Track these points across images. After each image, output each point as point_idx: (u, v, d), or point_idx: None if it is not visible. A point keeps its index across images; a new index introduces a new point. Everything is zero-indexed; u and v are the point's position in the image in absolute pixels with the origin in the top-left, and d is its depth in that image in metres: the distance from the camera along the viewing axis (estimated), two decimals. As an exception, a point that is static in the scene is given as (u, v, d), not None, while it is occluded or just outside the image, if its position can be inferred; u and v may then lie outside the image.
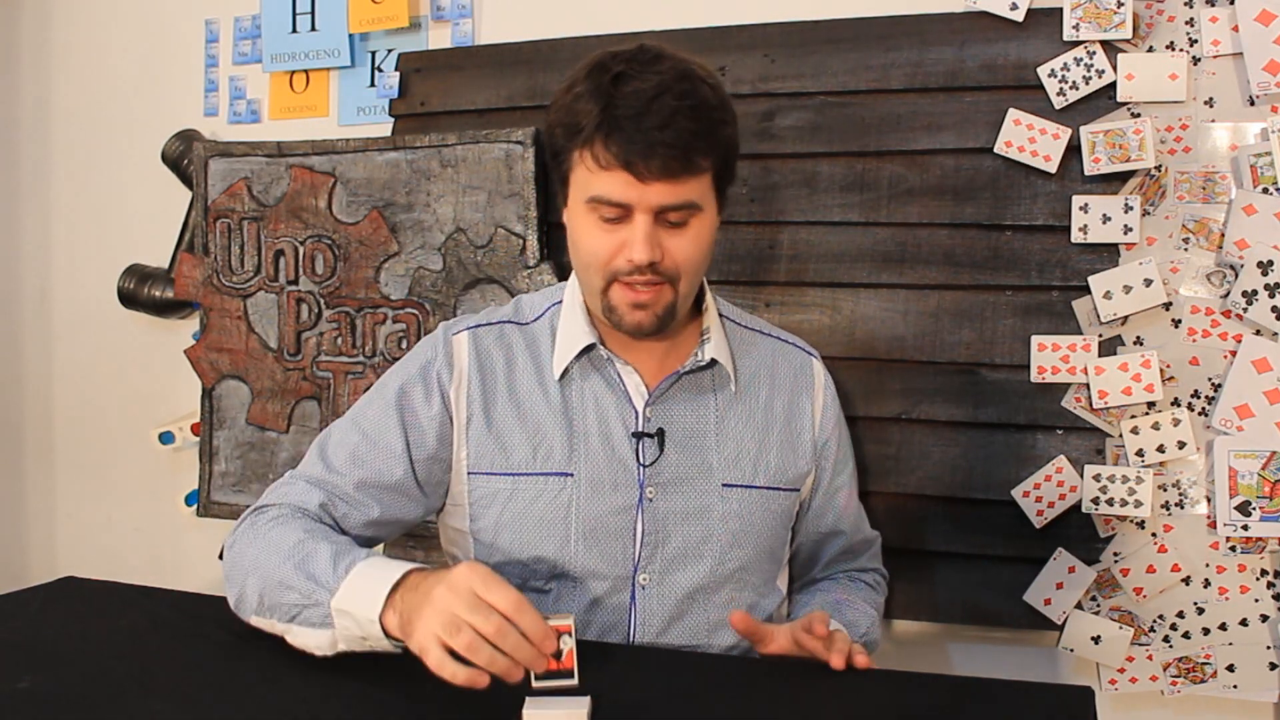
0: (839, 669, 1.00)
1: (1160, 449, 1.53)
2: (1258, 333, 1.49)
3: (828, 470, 1.31)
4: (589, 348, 1.19)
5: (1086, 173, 1.56)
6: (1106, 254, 1.57)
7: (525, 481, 1.17)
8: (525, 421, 1.18)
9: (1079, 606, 1.56)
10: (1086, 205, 1.56)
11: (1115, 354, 1.56)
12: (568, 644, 0.86)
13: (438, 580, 0.92)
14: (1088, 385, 1.56)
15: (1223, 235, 1.51)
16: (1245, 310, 1.48)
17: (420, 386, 1.19)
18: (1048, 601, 1.57)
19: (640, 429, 1.18)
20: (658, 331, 1.15)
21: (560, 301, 1.25)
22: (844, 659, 1.01)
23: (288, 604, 1.01)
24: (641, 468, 1.17)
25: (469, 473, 1.19)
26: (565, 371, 1.19)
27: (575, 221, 1.14)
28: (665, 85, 1.05)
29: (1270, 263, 1.46)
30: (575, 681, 0.86)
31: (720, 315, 1.27)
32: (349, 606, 0.97)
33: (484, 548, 1.20)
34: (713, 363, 1.21)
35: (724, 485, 1.20)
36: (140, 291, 2.17)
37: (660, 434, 1.18)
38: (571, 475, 1.16)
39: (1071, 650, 1.57)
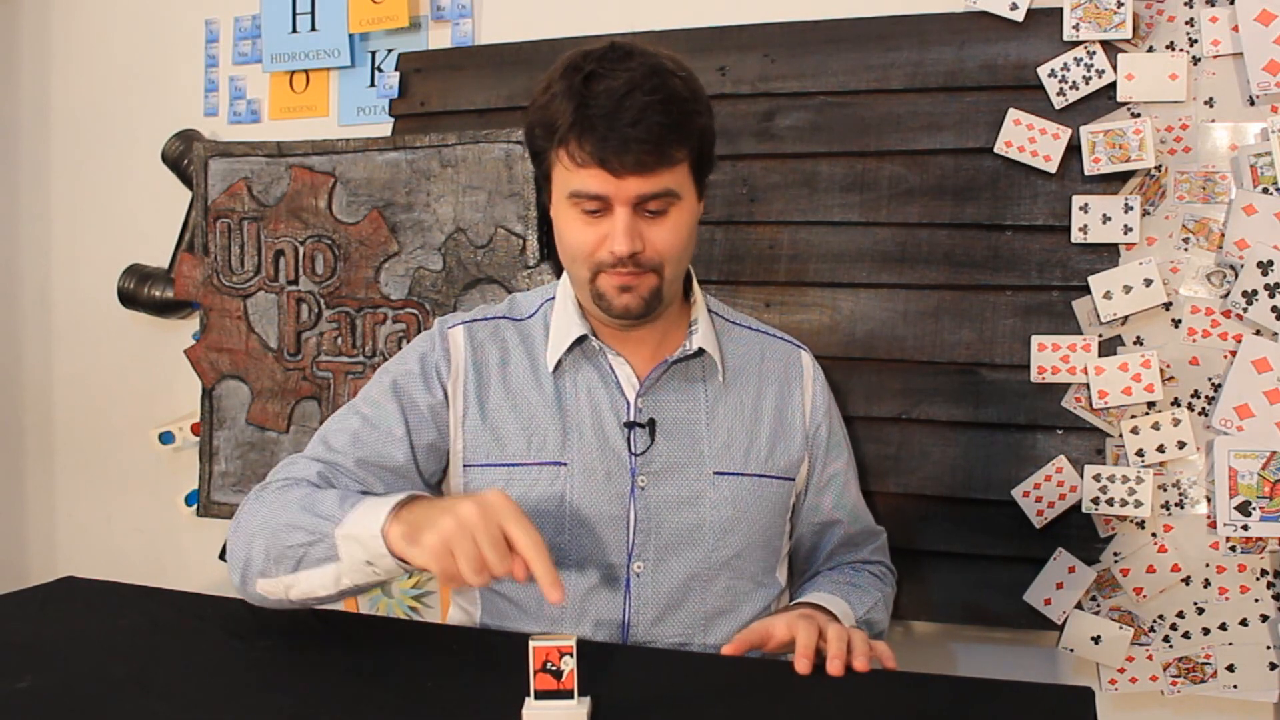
0: (836, 675, 1.00)
1: (1160, 449, 1.53)
2: (1258, 333, 1.49)
3: (820, 458, 1.32)
4: (581, 339, 1.21)
5: (1086, 173, 1.56)
6: (1106, 254, 1.57)
7: (520, 471, 1.19)
8: (519, 413, 1.21)
9: (1079, 606, 1.56)
10: (1086, 205, 1.56)
11: (1115, 354, 1.56)
12: (569, 664, 0.86)
13: (465, 498, 0.94)
14: (1088, 385, 1.56)
15: (1223, 235, 1.51)
16: (1245, 310, 1.48)
17: (419, 377, 1.22)
18: (1048, 601, 1.57)
19: (632, 419, 1.20)
20: (645, 315, 1.18)
21: (553, 298, 1.28)
22: (843, 664, 1.01)
23: (294, 545, 1.03)
24: (633, 457, 1.20)
25: (464, 465, 1.22)
26: (558, 364, 1.22)
27: (559, 216, 1.18)
28: (635, 82, 1.08)
29: (1270, 263, 1.46)
30: (574, 702, 0.86)
31: (709, 311, 1.30)
32: (354, 530, 0.99)
33: None
34: (700, 352, 1.24)
35: (715, 473, 1.22)
36: (140, 291, 2.17)
37: (651, 424, 1.20)
38: (565, 465, 1.19)
39: (1071, 650, 1.57)
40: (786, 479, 1.28)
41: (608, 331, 1.23)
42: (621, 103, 1.07)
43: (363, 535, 0.98)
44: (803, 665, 1.00)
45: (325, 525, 1.01)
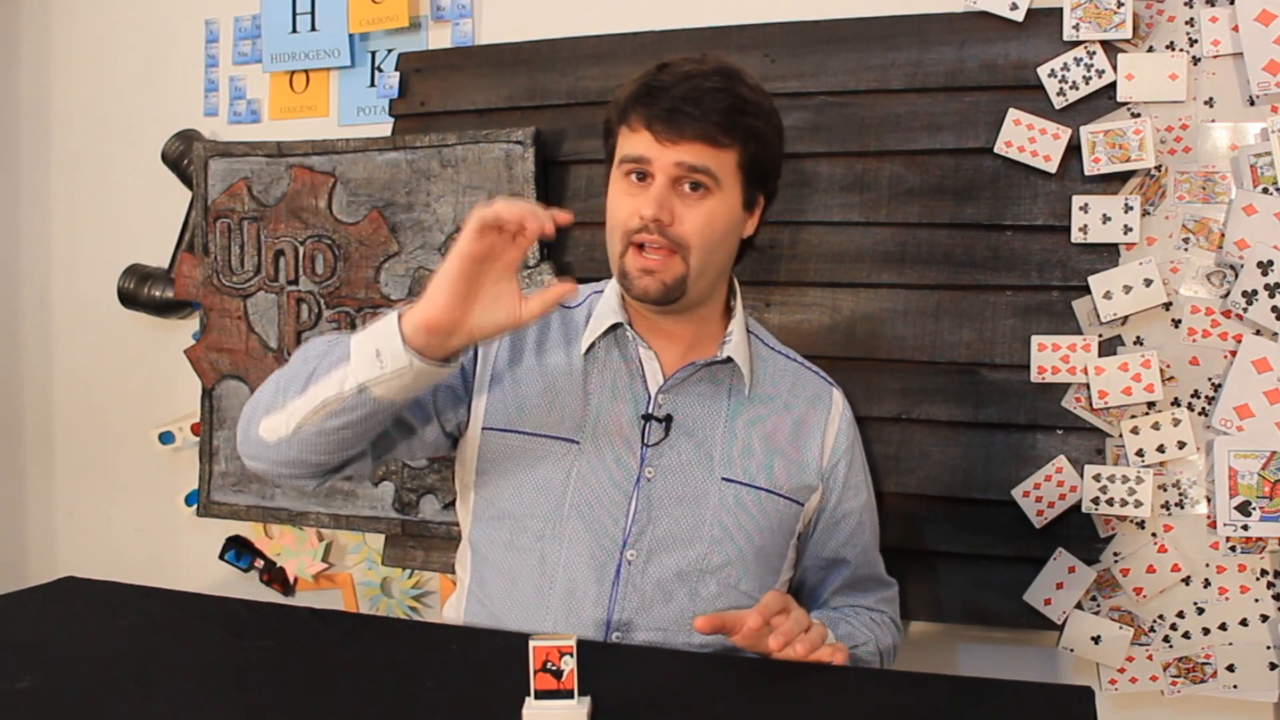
0: (774, 650, 1.02)
1: (1160, 449, 1.53)
2: (1258, 333, 1.49)
3: (835, 492, 1.31)
4: (615, 326, 1.24)
5: (1086, 173, 1.56)
6: (1106, 254, 1.57)
7: (534, 441, 1.22)
8: (544, 387, 1.24)
9: (1079, 606, 1.56)
10: (1086, 205, 1.56)
11: (1115, 354, 1.56)
12: (569, 664, 0.86)
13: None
14: (1088, 385, 1.56)
15: (1223, 235, 1.51)
16: (1245, 310, 1.48)
17: None
18: (1048, 601, 1.57)
19: (650, 411, 1.23)
20: (663, 302, 1.19)
21: (600, 291, 1.31)
22: (785, 642, 1.02)
23: (306, 366, 1.09)
24: (645, 448, 1.22)
25: (483, 428, 1.25)
26: (591, 347, 1.25)
27: (610, 191, 1.22)
28: (703, 73, 1.16)
29: (1270, 263, 1.46)
30: (574, 702, 0.86)
31: (749, 332, 1.32)
32: (369, 333, 1.05)
33: (483, 502, 1.26)
34: (729, 361, 1.25)
35: (723, 479, 1.23)
36: (140, 291, 2.17)
37: (668, 419, 1.22)
38: (578, 443, 1.22)
39: (1071, 650, 1.57)
40: (794, 501, 1.28)
41: (642, 324, 1.25)
42: (683, 82, 1.15)
43: (377, 328, 1.04)
44: (754, 619, 1.03)
45: (339, 337, 1.10)
